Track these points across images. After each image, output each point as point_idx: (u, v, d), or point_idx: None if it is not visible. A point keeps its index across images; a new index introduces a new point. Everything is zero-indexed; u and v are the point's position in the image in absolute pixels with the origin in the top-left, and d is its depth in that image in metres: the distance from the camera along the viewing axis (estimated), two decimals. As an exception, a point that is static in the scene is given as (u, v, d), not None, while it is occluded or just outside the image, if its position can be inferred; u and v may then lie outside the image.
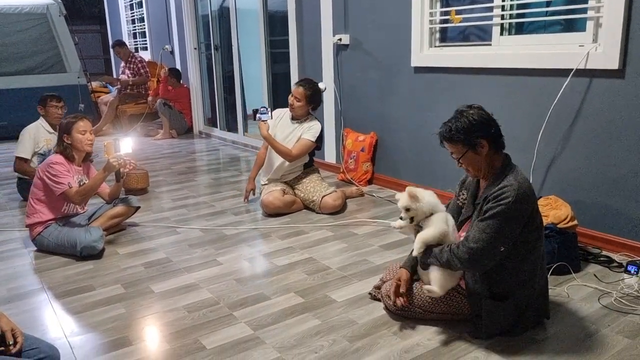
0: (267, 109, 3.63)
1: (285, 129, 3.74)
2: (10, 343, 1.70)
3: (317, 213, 3.63)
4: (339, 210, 3.64)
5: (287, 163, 3.69)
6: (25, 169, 4.03)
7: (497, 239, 1.89)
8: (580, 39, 2.84)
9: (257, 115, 3.60)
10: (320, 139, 3.71)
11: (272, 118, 3.68)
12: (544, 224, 2.57)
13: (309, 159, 3.81)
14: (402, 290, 2.15)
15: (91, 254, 2.94)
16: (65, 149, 3.08)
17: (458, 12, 3.47)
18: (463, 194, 2.23)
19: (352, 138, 4.37)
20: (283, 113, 3.81)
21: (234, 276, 2.68)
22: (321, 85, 3.77)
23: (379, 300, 2.33)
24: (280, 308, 2.33)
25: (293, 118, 3.74)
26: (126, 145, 3.10)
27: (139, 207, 3.43)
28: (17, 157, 4.05)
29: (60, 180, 2.95)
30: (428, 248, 2.05)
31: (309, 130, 3.66)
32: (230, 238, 3.23)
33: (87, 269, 2.83)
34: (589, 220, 2.90)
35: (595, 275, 2.56)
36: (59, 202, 3.05)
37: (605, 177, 2.80)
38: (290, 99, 3.67)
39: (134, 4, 8.87)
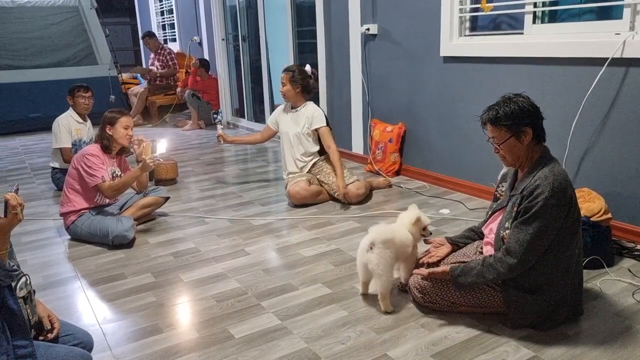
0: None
1: (288, 120, 3.83)
2: (48, 329, 1.76)
3: (343, 203, 3.63)
4: (362, 199, 3.63)
5: (297, 154, 3.76)
6: (72, 158, 4.15)
7: (540, 237, 1.89)
8: (616, 27, 2.75)
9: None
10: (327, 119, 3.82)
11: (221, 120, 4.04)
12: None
13: (320, 147, 3.81)
14: (435, 250, 2.28)
15: (122, 243, 3.00)
16: (106, 139, 3.15)
17: (489, 0, 3.40)
18: (502, 186, 2.21)
19: (380, 129, 4.34)
20: (280, 109, 3.93)
21: (261, 266, 2.70)
22: (307, 68, 3.81)
23: (406, 292, 2.32)
24: (308, 299, 2.34)
25: (292, 107, 3.82)
26: (162, 146, 3.22)
27: (168, 198, 3.49)
28: (61, 149, 4.14)
29: (94, 173, 3.02)
30: (463, 269, 2.03)
31: (316, 120, 3.72)
32: (257, 228, 3.25)
33: (119, 257, 2.89)
34: (624, 214, 2.83)
35: (629, 269, 2.50)
36: (92, 192, 3.12)
37: (641, 169, 2.73)
38: (280, 88, 3.78)
39: (163, -4, 8.97)
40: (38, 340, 1.74)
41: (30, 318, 1.71)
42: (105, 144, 3.14)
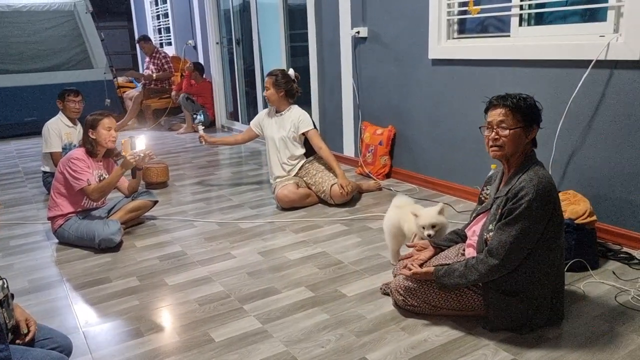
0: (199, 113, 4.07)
1: (272, 125, 3.84)
2: (25, 333, 1.76)
3: (331, 205, 3.63)
4: (349, 199, 3.64)
5: (284, 158, 3.78)
6: None
7: (523, 239, 1.89)
8: (600, 29, 2.76)
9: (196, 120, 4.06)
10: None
11: (203, 121, 4.19)
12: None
13: (306, 150, 3.82)
14: (417, 253, 2.28)
15: (109, 247, 3.00)
16: (89, 143, 3.15)
17: (476, 3, 3.41)
18: (487, 189, 2.21)
19: (370, 131, 4.35)
20: (264, 113, 3.94)
21: (246, 270, 2.70)
22: (290, 72, 3.82)
23: (389, 295, 2.32)
24: (290, 302, 2.34)
25: (276, 111, 3.83)
26: (140, 142, 3.19)
27: (157, 201, 3.49)
28: (51, 153, 4.15)
29: (79, 177, 3.02)
30: (447, 270, 2.04)
31: (303, 123, 3.73)
32: (245, 232, 3.25)
33: (105, 261, 2.90)
34: (610, 216, 2.82)
35: (613, 272, 2.49)
36: (79, 196, 3.12)
37: (627, 172, 2.72)
38: (264, 92, 3.81)
39: (158, 0, 8.98)
40: (15, 344, 1.74)
41: (7, 322, 1.71)
42: (89, 148, 3.14)
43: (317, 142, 3.72)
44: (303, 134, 3.73)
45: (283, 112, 3.79)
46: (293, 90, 3.78)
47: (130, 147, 3.13)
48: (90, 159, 3.15)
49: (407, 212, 2.50)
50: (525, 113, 1.96)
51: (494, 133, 1.99)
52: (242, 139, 4.18)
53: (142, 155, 3.17)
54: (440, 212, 2.38)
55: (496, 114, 1.98)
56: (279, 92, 3.72)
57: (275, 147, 3.79)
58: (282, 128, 3.76)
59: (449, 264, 2.19)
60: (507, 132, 1.96)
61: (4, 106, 6.92)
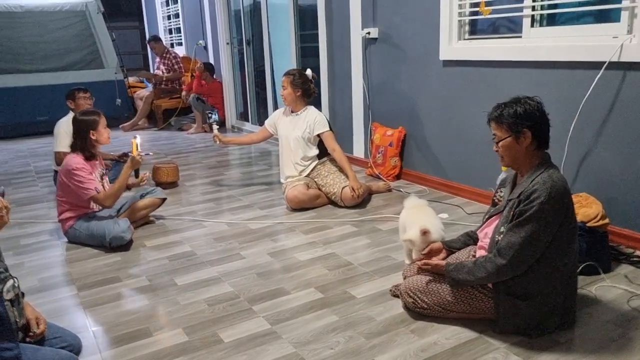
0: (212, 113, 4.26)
1: (287, 124, 3.83)
2: (34, 331, 1.77)
3: (341, 207, 3.62)
4: (360, 202, 3.63)
5: (297, 158, 3.75)
6: None
7: (532, 241, 1.87)
8: (614, 30, 2.73)
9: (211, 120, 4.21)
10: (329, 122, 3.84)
11: (217, 120, 4.36)
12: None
13: (319, 151, 3.81)
14: (427, 253, 2.27)
15: (120, 245, 3.01)
16: (91, 147, 3.10)
17: (488, 4, 3.38)
18: (501, 191, 2.20)
19: (380, 132, 4.34)
20: (280, 113, 3.93)
21: (255, 270, 2.70)
22: (307, 72, 3.81)
23: (399, 297, 2.30)
24: (299, 303, 2.34)
25: (292, 111, 3.82)
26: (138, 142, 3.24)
27: (165, 199, 3.50)
28: (62, 152, 4.16)
29: (86, 186, 3.01)
30: (457, 265, 2.04)
31: (319, 125, 3.71)
32: (254, 232, 3.25)
33: (115, 260, 2.91)
34: (623, 219, 2.79)
35: (626, 276, 2.46)
36: (85, 201, 3.11)
37: (640, 174, 2.69)
38: (280, 92, 3.79)
39: (169, 1, 9.02)
40: (25, 342, 1.75)
41: (18, 321, 1.72)
42: (91, 152, 3.10)
43: (331, 144, 3.70)
44: (318, 135, 3.72)
45: (299, 112, 3.77)
46: (310, 91, 3.77)
47: (136, 147, 3.16)
48: (89, 162, 3.11)
49: (412, 215, 2.50)
50: (508, 122, 1.95)
51: (494, 146, 2.04)
52: (257, 139, 4.17)
53: (151, 153, 3.21)
54: (425, 233, 2.31)
55: (492, 129, 2.04)
56: (295, 92, 3.72)
57: (289, 146, 3.78)
58: (297, 128, 3.75)
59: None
60: (499, 143, 1.99)
61: (16, 106, 6.98)
